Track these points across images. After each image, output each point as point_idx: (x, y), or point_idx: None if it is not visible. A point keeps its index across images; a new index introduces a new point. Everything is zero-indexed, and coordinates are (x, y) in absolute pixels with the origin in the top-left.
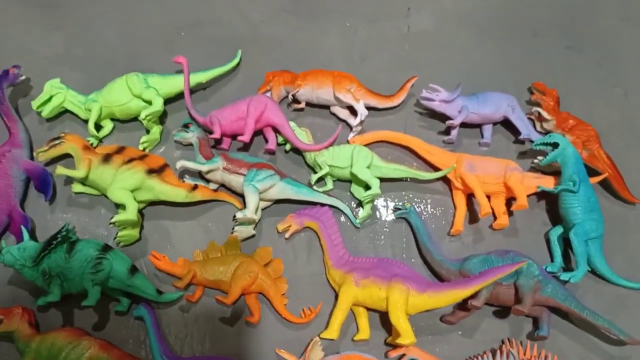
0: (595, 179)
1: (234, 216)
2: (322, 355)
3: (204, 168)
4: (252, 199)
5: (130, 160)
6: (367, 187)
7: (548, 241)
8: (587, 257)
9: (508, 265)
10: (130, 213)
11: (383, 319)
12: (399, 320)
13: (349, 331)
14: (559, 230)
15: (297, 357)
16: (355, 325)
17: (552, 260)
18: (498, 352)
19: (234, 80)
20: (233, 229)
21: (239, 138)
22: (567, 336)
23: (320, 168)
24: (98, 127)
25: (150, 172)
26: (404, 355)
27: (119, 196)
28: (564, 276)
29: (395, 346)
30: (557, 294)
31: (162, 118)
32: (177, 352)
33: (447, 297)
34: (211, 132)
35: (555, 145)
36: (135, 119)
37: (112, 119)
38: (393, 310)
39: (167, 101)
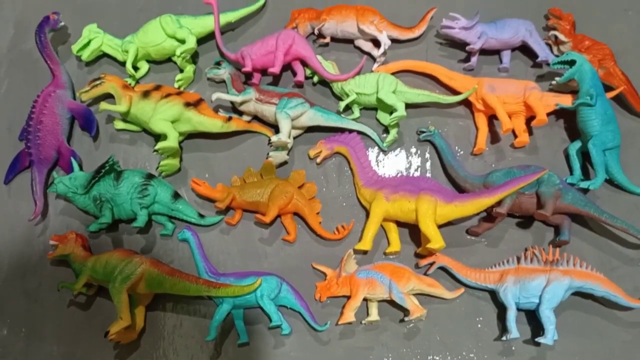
0: (611, 94)
1: (269, 140)
2: (356, 267)
3: (238, 99)
4: (285, 124)
5: (168, 95)
6: (392, 113)
7: (567, 157)
8: (605, 166)
9: (530, 174)
10: (171, 140)
11: (412, 233)
12: (429, 228)
13: (381, 246)
14: (577, 144)
15: (332, 270)
16: (387, 239)
17: (571, 174)
18: (522, 256)
19: (261, 20)
20: (268, 154)
21: (270, 70)
22: (587, 242)
23: (348, 96)
24: (135, 68)
25: (188, 104)
26: (433, 263)
27: (160, 126)
28: (584, 184)
29: (425, 256)
30: (577, 201)
31: (194, 58)
32: (222, 270)
33: (473, 205)
34: (242, 68)
35: (572, 63)
36: (169, 59)
37: (148, 61)
38: (423, 219)
39: (199, 41)
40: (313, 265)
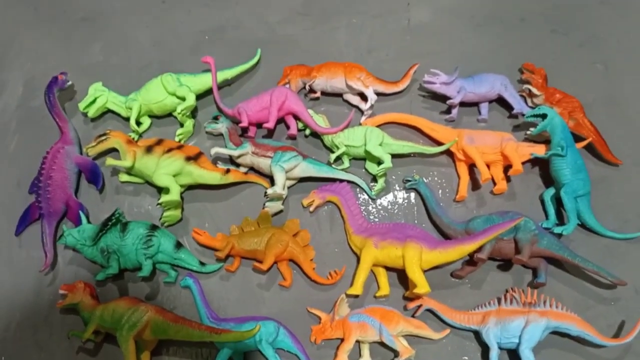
0: (581, 144)
1: (265, 192)
2: (349, 310)
3: (235, 153)
4: (279, 177)
5: (169, 150)
6: (379, 163)
7: (542, 202)
8: (576, 212)
9: (508, 221)
10: (174, 194)
11: (400, 277)
12: (415, 274)
13: (371, 290)
14: (551, 191)
15: (326, 314)
16: (376, 284)
17: (546, 218)
18: (503, 298)
19: (255, 76)
20: (264, 205)
21: (264, 125)
22: (563, 283)
23: (338, 148)
24: (138, 123)
25: (188, 159)
26: (420, 306)
27: (163, 180)
28: (558, 229)
29: (412, 299)
30: (552, 245)
31: (193, 112)
32: (222, 315)
33: (456, 252)
34: (239, 122)
35: (544, 116)
36: (170, 114)
37: (150, 116)
38: (409, 265)
39: (198, 97)
40: (308, 310)
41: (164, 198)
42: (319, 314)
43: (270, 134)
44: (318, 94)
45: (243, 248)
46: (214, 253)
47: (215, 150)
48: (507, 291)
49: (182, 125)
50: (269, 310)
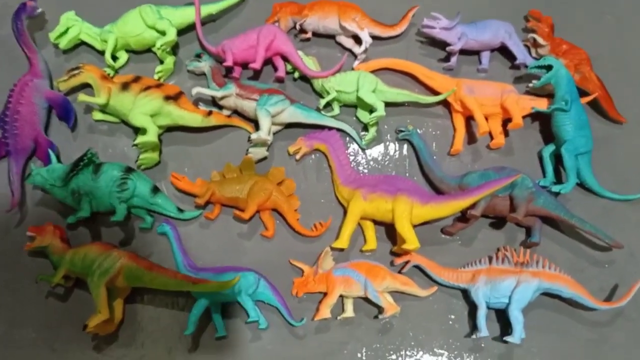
0: (586, 99)
1: (249, 137)
2: (333, 264)
3: (218, 94)
4: (265, 122)
5: (147, 88)
6: (371, 111)
7: (541, 159)
8: (576, 170)
9: (504, 177)
10: (151, 135)
11: (389, 231)
12: (404, 228)
13: (357, 244)
14: (551, 147)
15: (310, 266)
16: (363, 237)
17: (544, 176)
18: (494, 257)
19: (242, 13)
20: (247, 150)
21: (250, 65)
22: (557, 243)
23: (328, 93)
24: (114, 58)
25: (168, 98)
26: (408, 261)
27: (140, 120)
28: (556, 188)
29: (400, 255)
30: (549, 204)
31: (174, 49)
32: (200, 264)
33: (449, 207)
34: (223, 61)
35: (549, 68)
36: (149, 50)
37: (127, 50)
38: (399, 220)
39: (179, 33)
40: (290, 262)
41: (140, 139)
42: (301, 267)
43: (256, 75)
44: (309, 35)
45: (224, 195)
46: (194, 199)
47: (196, 90)
48: (498, 250)
49: (162, 62)
50: (249, 260)
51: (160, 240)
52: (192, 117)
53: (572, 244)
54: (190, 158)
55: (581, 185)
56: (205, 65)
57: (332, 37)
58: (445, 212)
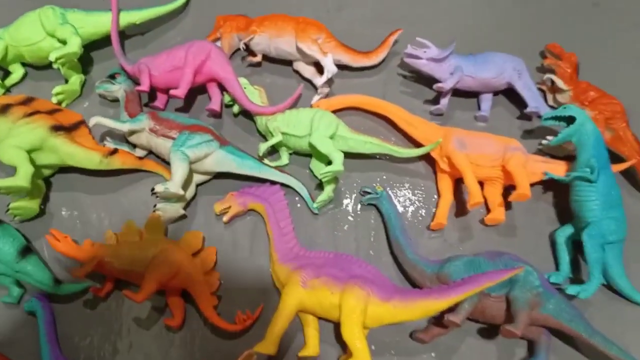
0: (619, 167)
1: (153, 189)
2: None
3: (124, 127)
4: (179, 169)
5: (32, 114)
6: (329, 164)
7: (553, 244)
8: (602, 266)
9: (500, 271)
10: (20, 178)
11: (338, 331)
12: (353, 336)
13: (294, 345)
14: (568, 230)
15: None
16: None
17: (557, 269)
18: None
19: (179, 25)
20: (155, 206)
21: (172, 92)
22: None
23: (272, 135)
24: (6, 72)
25: (56, 128)
26: None
27: (9, 155)
28: (572, 290)
29: None
30: (561, 312)
31: (86, 67)
32: (75, 357)
33: (417, 309)
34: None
35: (570, 120)
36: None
37: (24, 64)
38: (346, 322)
39: (95, 45)
40: None
41: (4, 182)
42: None
43: (186, 107)
44: (259, 58)
45: (115, 266)
46: (71, 269)
47: (95, 120)
48: None
49: (67, 82)
50: (145, 356)
51: (27, 321)
52: (86, 156)
53: None
54: (85, 211)
55: (608, 286)
56: (119, 88)
57: (288, 63)
58: (413, 314)
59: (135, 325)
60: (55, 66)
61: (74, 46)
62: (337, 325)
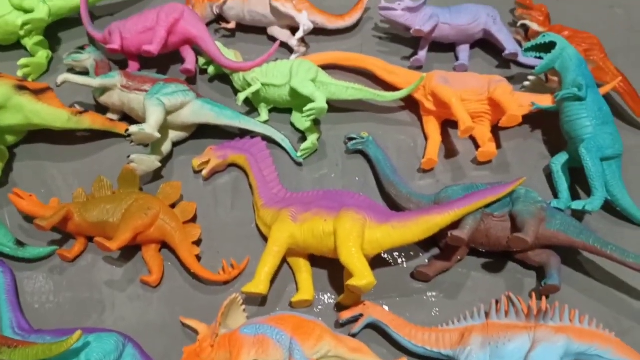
0: (604, 89)
1: (126, 130)
2: (245, 319)
3: (94, 82)
4: (154, 113)
5: None
6: None
7: (548, 176)
8: (604, 180)
9: (501, 185)
10: None
11: (334, 276)
12: (352, 257)
13: (286, 293)
14: (563, 157)
15: (207, 325)
16: (295, 284)
17: (556, 197)
18: (493, 308)
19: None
20: (129, 157)
21: (145, 47)
22: (583, 293)
23: (250, 85)
24: None
25: (21, 87)
26: (361, 316)
27: None
28: (577, 204)
29: (349, 306)
30: (569, 227)
31: (53, 45)
32: (41, 325)
33: (418, 226)
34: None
35: (551, 46)
36: (18, 43)
37: None
38: (343, 245)
39: (63, 22)
40: (181, 320)
41: None
42: (196, 327)
43: (162, 71)
44: (233, 25)
45: (86, 219)
46: (34, 220)
47: (63, 77)
48: (497, 302)
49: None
50: (120, 319)
51: None
52: (54, 114)
53: (607, 293)
54: (52, 178)
55: (607, 210)
56: (88, 57)
57: (263, 30)
58: (414, 234)
59: (107, 287)
60: (21, 33)
61: (42, 12)
62: (333, 271)
